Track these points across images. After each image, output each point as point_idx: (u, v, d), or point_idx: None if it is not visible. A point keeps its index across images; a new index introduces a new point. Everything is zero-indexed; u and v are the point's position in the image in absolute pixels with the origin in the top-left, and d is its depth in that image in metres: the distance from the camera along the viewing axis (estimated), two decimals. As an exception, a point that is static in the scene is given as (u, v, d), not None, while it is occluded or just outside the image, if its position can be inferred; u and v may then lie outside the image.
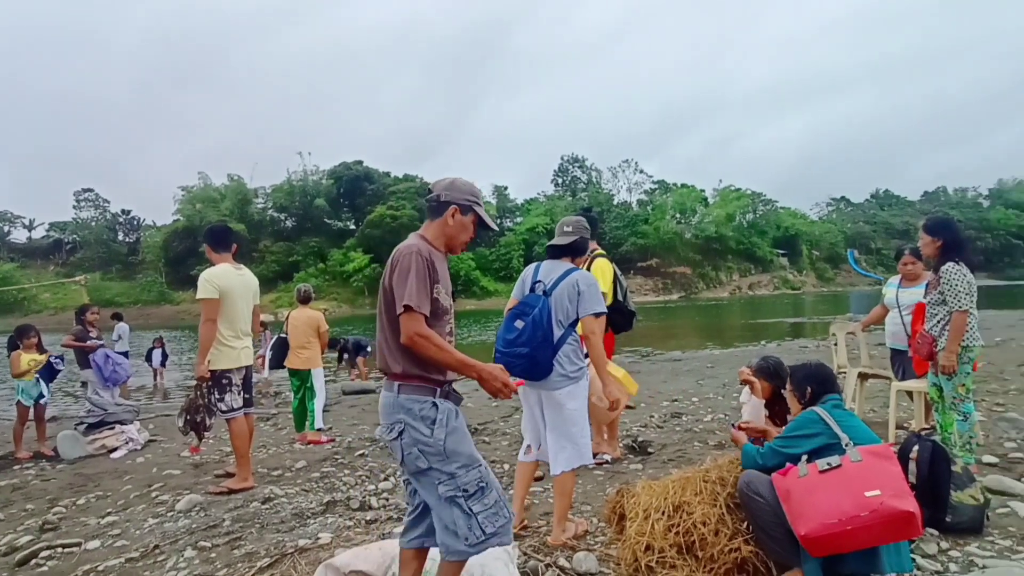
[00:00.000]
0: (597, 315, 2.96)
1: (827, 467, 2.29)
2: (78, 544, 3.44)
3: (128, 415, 6.54)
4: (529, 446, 3.19)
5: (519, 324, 2.89)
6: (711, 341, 18.05)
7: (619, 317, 4.29)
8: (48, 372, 6.40)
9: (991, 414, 5.15)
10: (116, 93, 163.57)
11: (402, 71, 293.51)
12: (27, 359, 6.11)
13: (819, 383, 2.69)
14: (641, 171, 79.20)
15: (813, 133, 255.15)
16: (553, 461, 3.02)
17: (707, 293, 65.60)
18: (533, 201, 73.41)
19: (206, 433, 4.52)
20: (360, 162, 68.22)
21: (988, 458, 3.92)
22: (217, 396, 4.29)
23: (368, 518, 3.56)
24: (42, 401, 6.25)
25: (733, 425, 3.02)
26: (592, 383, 3.31)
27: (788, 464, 2.44)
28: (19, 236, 71.74)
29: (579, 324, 3.00)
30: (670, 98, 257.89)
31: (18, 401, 6.15)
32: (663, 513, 2.56)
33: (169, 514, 3.92)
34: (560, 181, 78.94)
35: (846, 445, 2.36)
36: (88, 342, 7.56)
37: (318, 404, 6.22)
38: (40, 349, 6.34)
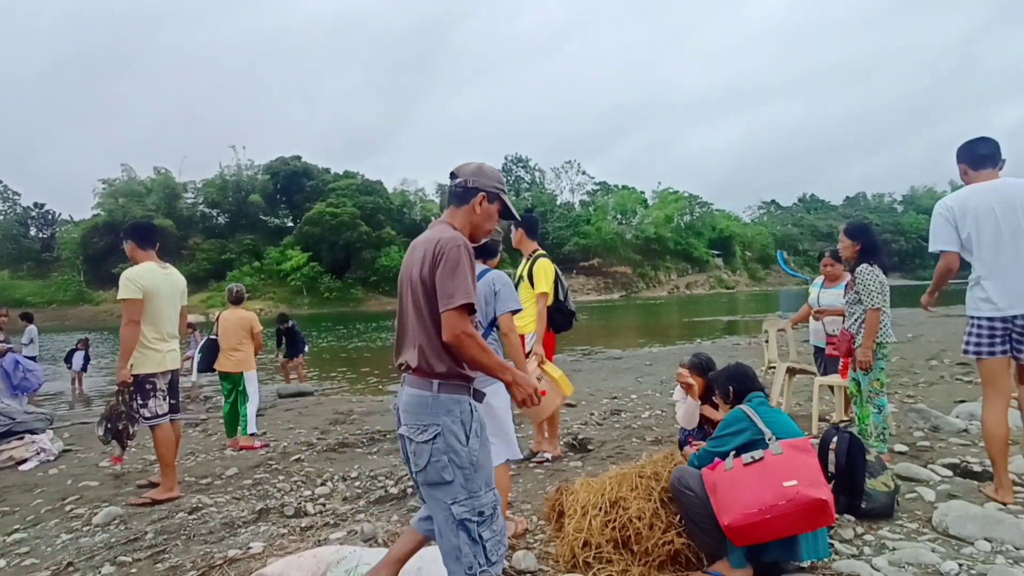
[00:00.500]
0: (514, 312, 3.02)
1: (751, 460, 2.42)
2: (-21, 565, 3.18)
3: (39, 424, 6.09)
4: None
5: None
6: (650, 339, 18.51)
7: (560, 317, 4.37)
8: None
9: (902, 405, 5.52)
10: (27, 74, 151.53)
11: (342, 64, 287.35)
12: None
13: (739, 381, 2.88)
14: (583, 172, 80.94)
15: (746, 139, 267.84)
16: None
17: (647, 292, 67.52)
18: (477, 200, 73.37)
19: (129, 441, 4.27)
20: (298, 157, 66.41)
21: (899, 447, 4.19)
22: (140, 402, 4.07)
23: (303, 525, 3.46)
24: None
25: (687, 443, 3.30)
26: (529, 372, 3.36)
27: (717, 460, 2.56)
28: (-88, 230, 65.36)
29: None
30: (611, 101, 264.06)
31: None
32: (600, 509, 2.63)
33: (85, 528, 3.67)
34: (504, 180, 79.26)
35: (769, 439, 2.50)
36: (-6, 346, 7.01)
37: (251, 408, 5.97)
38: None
